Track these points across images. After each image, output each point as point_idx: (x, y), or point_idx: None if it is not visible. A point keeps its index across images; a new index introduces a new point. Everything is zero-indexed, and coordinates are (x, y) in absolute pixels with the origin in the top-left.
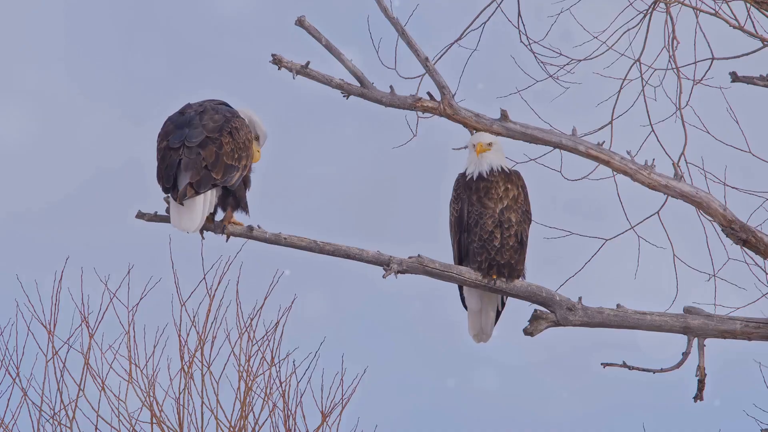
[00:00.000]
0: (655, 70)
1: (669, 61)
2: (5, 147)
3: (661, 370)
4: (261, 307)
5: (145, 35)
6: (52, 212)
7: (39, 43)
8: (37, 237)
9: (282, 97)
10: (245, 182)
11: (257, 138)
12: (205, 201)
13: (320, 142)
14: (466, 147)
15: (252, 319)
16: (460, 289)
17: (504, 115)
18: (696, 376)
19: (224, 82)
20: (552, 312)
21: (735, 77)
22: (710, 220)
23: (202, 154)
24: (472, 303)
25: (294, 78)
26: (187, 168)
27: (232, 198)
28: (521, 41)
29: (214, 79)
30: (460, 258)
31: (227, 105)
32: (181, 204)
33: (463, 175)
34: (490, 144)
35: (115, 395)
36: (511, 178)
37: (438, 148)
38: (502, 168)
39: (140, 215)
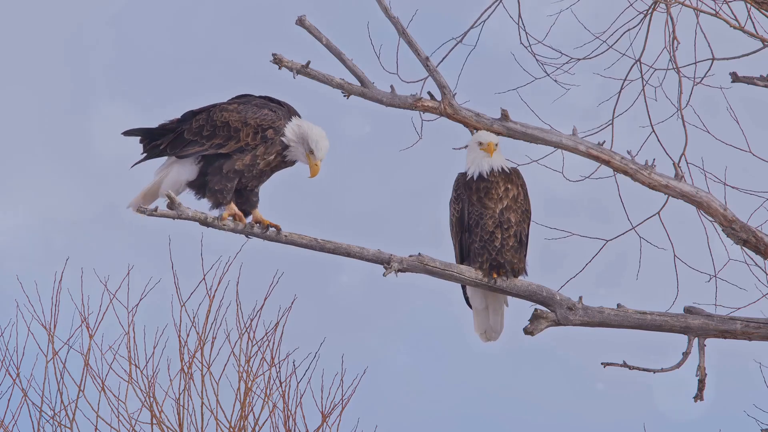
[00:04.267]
0: (656, 70)
1: (669, 61)
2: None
3: (662, 370)
4: (261, 308)
5: (143, 34)
6: (56, 215)
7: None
8: (39, 237)
9: (282, 96)
10: (226, 171)
11: (312, 152)
12: (155, 181)
13: None
14: (466, 146)
15: (252, 320)
16: (464, 288)
17: (504, 115)
18: (696, 376)
19: (225, 81)
20: (552, 311)
21: (735, 77)
22: (711, 221)
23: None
24: (476, 302)
25: (294, 77)
26: None
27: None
28: (521, 42)
29: (214, 77)
30: (462, 257)
31: (280, 104)
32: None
33: (463, 175)
34: (497, 144)
35: (115, 396)
36: (511, 177)
37: (438, 148)
38: (502, 168)
39: (141, 210)
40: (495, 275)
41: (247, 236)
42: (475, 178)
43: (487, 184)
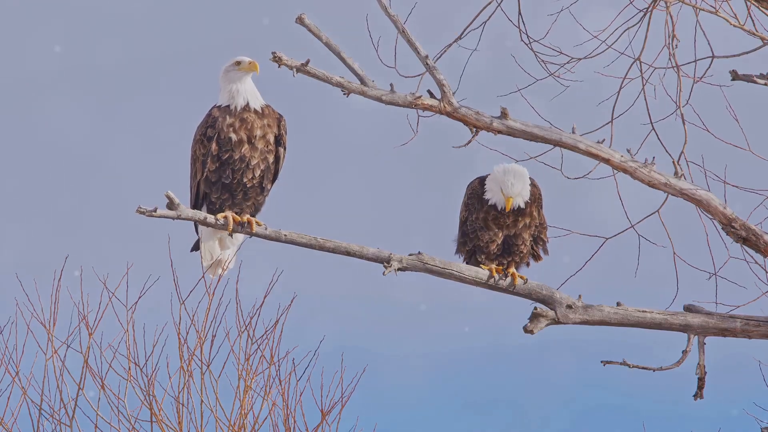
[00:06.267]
0: (656, 68)
1: (669, 59)
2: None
3: (661, 368)
4: (260, 306)
5: (141, 32)
6: (52, 208)
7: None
8: (37, 234)
9: (282, 95)
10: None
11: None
12: None
13: (321, 141)
14: (467, 145)
15: (251, 318)
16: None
17: (504, 113)
18: (696, 374)
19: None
20: (552, 309)
21: (735, 75)
22: (710, 219)
23: None
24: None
25: (294, 76)
26: None
27: None
28: (522, 40)
29: (213, 76)
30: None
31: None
32: None
33: (481, 185)
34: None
35: (114, 394)
36: (525, 210)
37: (439, 146)
38: (518, 206)
39: (141, 211)
40: (494, 273)
41: (249, 235)
42: (489, 204)
43: (498, 215)
